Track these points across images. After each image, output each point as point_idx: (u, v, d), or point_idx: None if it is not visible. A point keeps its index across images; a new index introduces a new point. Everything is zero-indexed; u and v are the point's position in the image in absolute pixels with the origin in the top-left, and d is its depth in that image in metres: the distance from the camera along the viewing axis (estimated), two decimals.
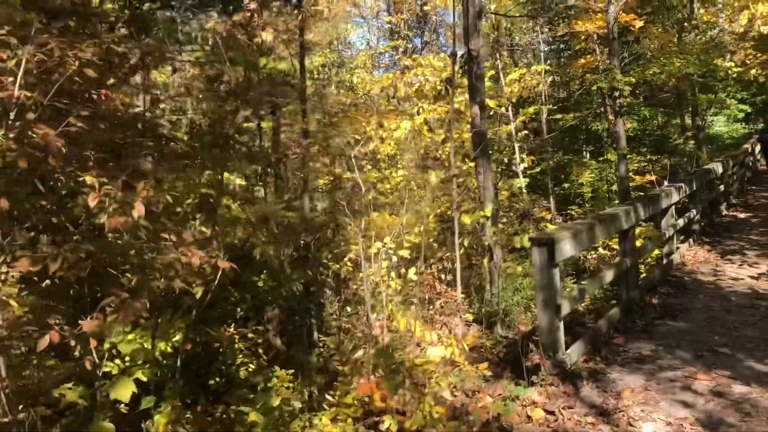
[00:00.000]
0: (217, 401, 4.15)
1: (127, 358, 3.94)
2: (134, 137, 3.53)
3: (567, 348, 4.39)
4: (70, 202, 2.96)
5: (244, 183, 7.52)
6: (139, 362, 3.94)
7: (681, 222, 8.10)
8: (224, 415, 3.81)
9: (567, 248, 4.49)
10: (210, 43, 5.08)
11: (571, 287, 6.66)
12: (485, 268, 6.80)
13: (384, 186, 8.58)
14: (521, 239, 5.36)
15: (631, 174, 13.61)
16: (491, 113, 11.63)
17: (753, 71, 17.21)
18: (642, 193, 11.24)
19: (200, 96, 3.91)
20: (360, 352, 4.14)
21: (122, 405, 3.55)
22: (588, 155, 17.88)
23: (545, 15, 15.46)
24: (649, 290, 6.24)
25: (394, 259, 5.88)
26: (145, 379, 3.83)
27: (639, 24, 13.63)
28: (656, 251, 7.71)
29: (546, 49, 17.97)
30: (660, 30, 15.71)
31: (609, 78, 12.30)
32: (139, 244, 2.90)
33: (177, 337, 4.27)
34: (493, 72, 13.92)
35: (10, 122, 2.57)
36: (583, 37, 14.93)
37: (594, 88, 14.21)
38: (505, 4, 14.58)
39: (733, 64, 17.71)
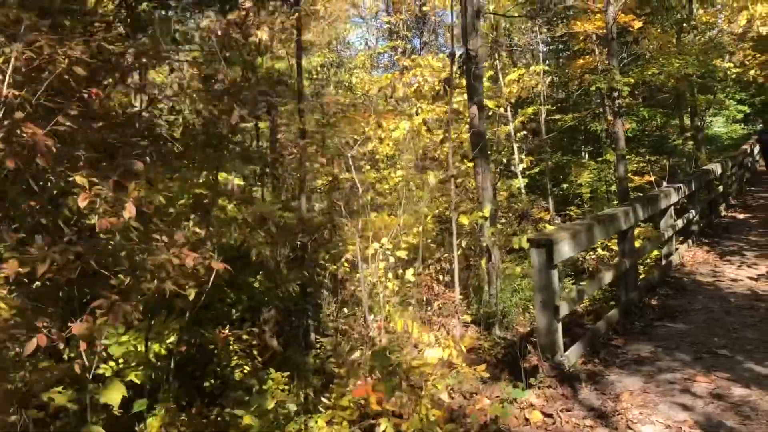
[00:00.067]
0: (212, 403, 4.10)
1: (120, 361, 3.91)
2: (130, 137, 3.48)
3: (565, 350, 4.37)
4: (60, 202, 2.92)
5: (242, 183, 7.47)
6: (133, 364, 3.90)
7: (680, 223, 8.07)
8: (219, 418, 3.78)
9: (566, 249, 4.47)
10: (208, 42, 5.05)
11: (569, 288, 6.62)
12: (483, 269, 6.76)
13: (382, 186, 8.53)
14: (520, 240, 5.33)
15: (629, 174, 13.57)
16: (490, 113, 11.58)
17: (752, 72, 17.17)
18: (641, 194, 11.20)
19: (194, 95, 3.87)
20: (357, 354, 4.10)
21: (115, 408, 3.51)
22: (587, 156, 17.84)
23: (544, 15, 15.43)
24: (648, 291, 6.22)
25: (392, 259, 5.85)
26: (138, 381, 3.80)
27: (638, 24, 13.60)
28: (655, 252, 7.69)
29: (545, 49, 17.96)
30: (659, 30, 15.71)
31: (608, 78, 12.27)
32: (131, 245, 2.86)
33: (171, 339, 4.23)
34: (491, 72, 13.89)
35: None
36: (581, 38, 14.92)
37: (593, 88, 14.21)
38: (503, 4, 14.54)
39: (732, 64, 17.70)
